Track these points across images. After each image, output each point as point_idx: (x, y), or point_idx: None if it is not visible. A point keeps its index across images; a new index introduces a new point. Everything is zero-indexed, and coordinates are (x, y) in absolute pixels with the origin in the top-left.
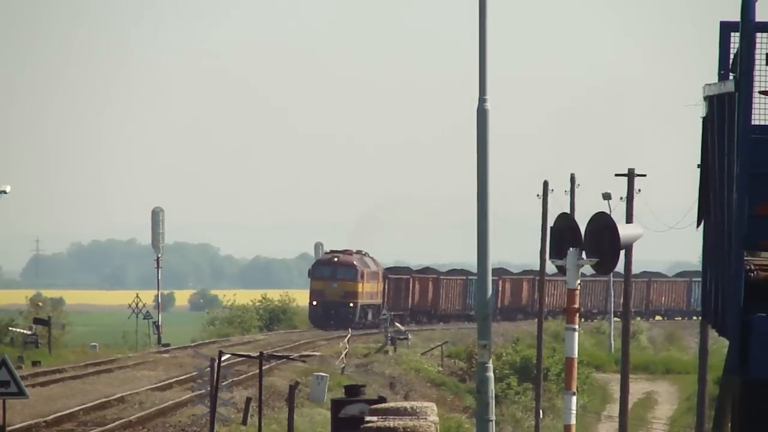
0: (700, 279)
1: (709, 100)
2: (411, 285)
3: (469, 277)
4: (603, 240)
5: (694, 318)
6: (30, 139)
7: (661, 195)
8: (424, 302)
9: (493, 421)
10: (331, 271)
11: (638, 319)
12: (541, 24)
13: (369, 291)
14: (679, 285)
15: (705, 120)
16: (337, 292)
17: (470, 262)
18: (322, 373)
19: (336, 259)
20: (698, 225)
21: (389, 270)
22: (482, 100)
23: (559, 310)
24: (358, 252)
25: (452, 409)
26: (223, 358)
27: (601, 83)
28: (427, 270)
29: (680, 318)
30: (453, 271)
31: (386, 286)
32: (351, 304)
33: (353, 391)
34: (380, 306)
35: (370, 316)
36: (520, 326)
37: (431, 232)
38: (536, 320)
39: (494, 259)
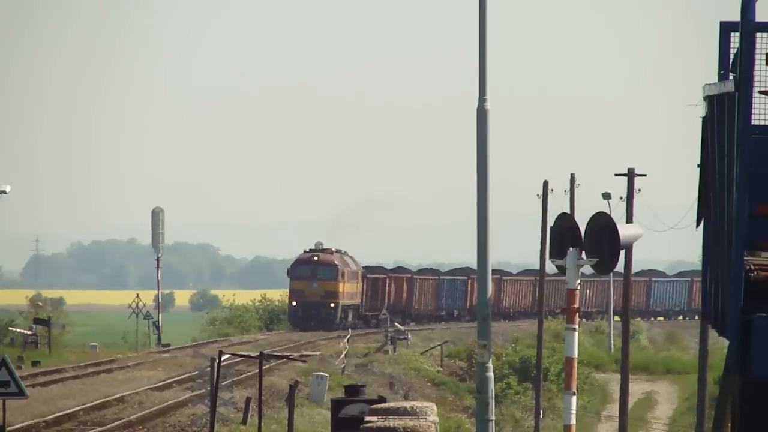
0: (659, 279)
1: (709, 100)
2: (387, 285)
3: (441, 277)
4: (603, 240)
5: (653, 319)
6: (30, 139)
7: (661, 195)
8: (399, 302)
9: (493, 421)
10: (311, 271)
11: (600, 319)
12: (541, 23)
13: (349, 291)
14: (639, 285)
15: (705, 120)
16: (318, 292)
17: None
18: (322, 373)
19: (316, 259)
20: (698, 225)
21: (366, 269)
22: (482, 100)
23: (523, 310)
24: (338, 251)
25: (452, 409)
26: (223, 358)
27: (601, 83)
28: (399, 269)
29: (639, 318)
30: (425, 271)
31: (364, 286)
32: (332, 305)
33: (353, 391)
34: (359, 306)
35: (350, 317)
36: (519, 326)
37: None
38: (495, 321)
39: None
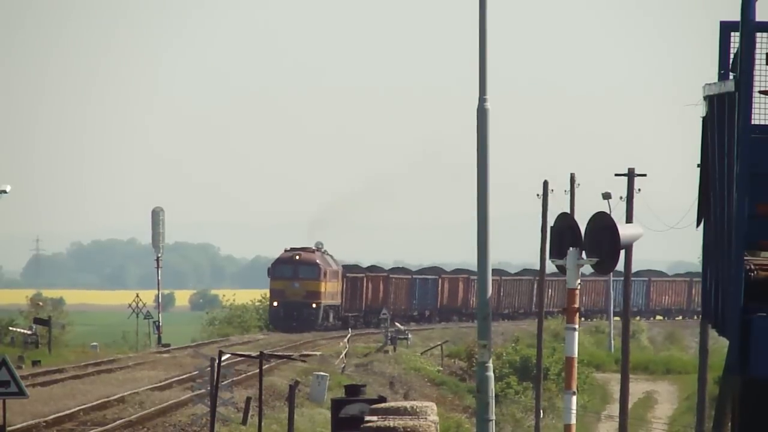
0: (617, 279)
1: (709, 100)
2: (365, 284)
3: (413, 276)
4: (603, 240)
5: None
6: (30, 139)
7: (661, 195)
8: (375, 302)
9: (493, 421)
10: (293, 270)
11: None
12: (542, 23)
13: (331, 291)
14: (599, 284)
15: (705, 120)
16: (299, 292)
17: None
18: (322, 373)
19: (297, 258)
20: (698, 225)
21: (344, 268)
22: (482, 99)
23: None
24: (318, 249)
25: (452, 409)
26: (223, 358)
27: (601, 83)
28: (374, 268)
29: (600, 318)
30: (398, 270)
31: (344, 286)
32: (314, 305)
33: (353, 391)
34: (339, 307)
35: (331, 318)
36: (519, 326)
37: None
38: (474, 322)
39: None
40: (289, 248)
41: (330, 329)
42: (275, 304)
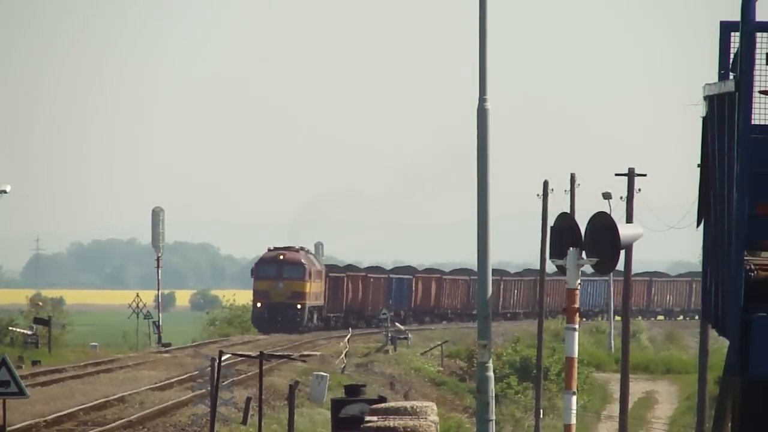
0: (585, 279)
1: (709, 100)
2: (346, 284)
3: (390, 275)
4: (603, 240)
5: (584, 320)
6: (30, 139)
7: (661, 195)
8: (355, 302)
9: (493, 421)
10: (277, 270)
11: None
12: (542, 23)
13: (315, 291)
14: (561, 284)
15: (705, 120)
16: (283, 292)
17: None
18: (322, 373)
19: (282, 257)
20: (698, 225)
21: (327, 267)
22: (482, 100)
23: (459, 311)
24: (302, 248)
25: (452, 409)
26: (223, 358)
27: (601, 83)
28: (352, 267)
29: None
30: (374, 269)
31: (327, 286)
32: (299, 306)
33: (353, 391)
34: (322, 307)
35: (315, 319)
36: (520, 326)
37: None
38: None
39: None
40: (272, 247)
41: (313, 330)
42: (259, 305)
